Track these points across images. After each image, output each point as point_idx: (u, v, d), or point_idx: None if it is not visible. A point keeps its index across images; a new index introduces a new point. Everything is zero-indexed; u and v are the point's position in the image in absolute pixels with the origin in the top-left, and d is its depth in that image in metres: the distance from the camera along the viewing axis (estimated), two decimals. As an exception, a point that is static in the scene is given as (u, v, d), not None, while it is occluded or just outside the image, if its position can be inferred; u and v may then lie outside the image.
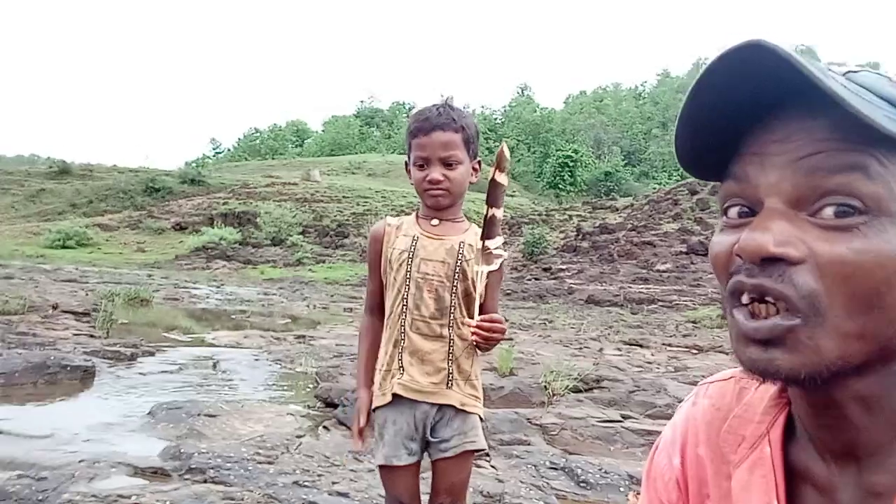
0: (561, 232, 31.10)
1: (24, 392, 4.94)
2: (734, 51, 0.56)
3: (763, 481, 0.67)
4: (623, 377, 6.07)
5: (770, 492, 0.66)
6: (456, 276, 1.93)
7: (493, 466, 3.79)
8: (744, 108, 0.61)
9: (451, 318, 1.93)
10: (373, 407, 1.98)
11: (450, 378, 1.92)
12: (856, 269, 0.53)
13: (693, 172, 0.68)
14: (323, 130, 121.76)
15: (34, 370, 5.24)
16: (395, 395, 1.92)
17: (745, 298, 0.58)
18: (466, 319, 1.84)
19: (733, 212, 0.62)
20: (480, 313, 1.88)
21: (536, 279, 23.44)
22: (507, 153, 1.74)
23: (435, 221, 1.98)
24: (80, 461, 3.36)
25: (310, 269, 27.40)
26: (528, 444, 4.15)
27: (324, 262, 29.51)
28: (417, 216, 2.03)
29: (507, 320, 1.95)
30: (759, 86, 0.58)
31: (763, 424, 0.70)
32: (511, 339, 9.74)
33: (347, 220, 38.65)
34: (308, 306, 14.60)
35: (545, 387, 5.35)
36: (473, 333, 1.78)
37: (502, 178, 1.76)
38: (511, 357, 6.44)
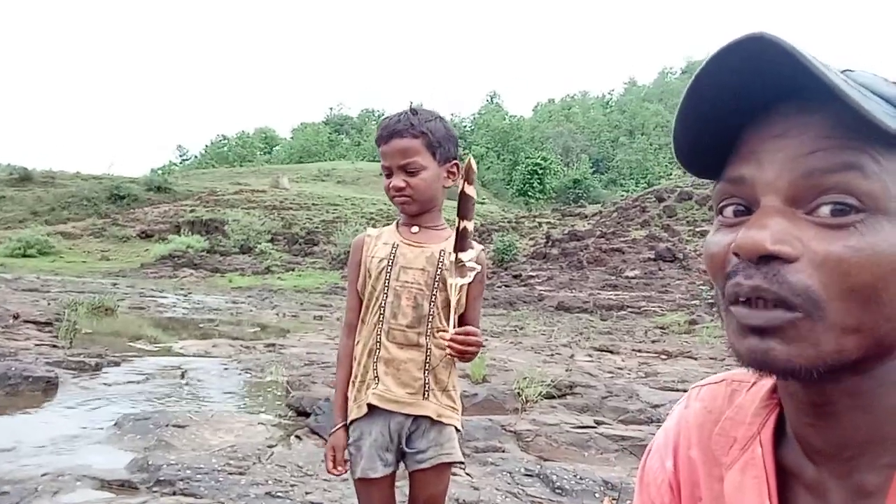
0: (531, 239, 31.22)
1: (-17, 404, 4.78)
2: (735, 44, 0.55)
3: (755, 482, 0.67)
4: (595, 383, 6.10)
5: (762, 493, 0.66)
6: (436, 285, 1.90)
7: (468, 474, 3.77)
8: (741, 104, 0.60)
9: (429, 326, 1.89)
10: (348, 420, 1.94)
11: (426, 388, 1.88)
12: (851, 267, 0.53)
13: (691, 169, 0.68)
14: (292, 137, 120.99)
15: (-6, 382, 5.09)
16: (369, 406, 1.88)
17: (742, 300, 0.58)
18: (441, 333, 1.81)
19: (729, 211, 0.62)
20: (461, 324, 1.86)
21: (507, 286, 23.49)
22: (474, 165, 1.73)
23: (415, 229, 1.95)
24: (43, 474, 3.25)
25: (279, 278, 27.12)
26: (503, 451, 4.14)
27: (293, 270, 29.23)
28: (398, 224, 2.01)
29: (483, 330, 1.93)
30: (758, 80, 0.58)
31: (754, 426, 0.71)
32: (483, 346, 9.74)
33: (317, 227, 38.36)
34: (277, 314, 14.45)
35: (518, 393, 5.35)
36: (448, 346, 1.75)
37: (471, 191, 1.74)
38: (483, 364, 6.43)
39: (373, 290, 1.93)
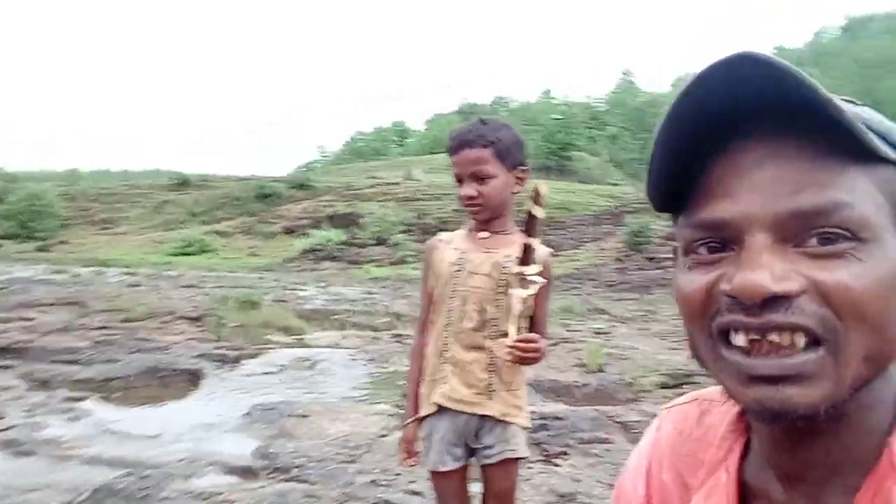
0: (666, 220, 30.11)
1: (138, 394, 5.38)
2: (722, 63, 0.53)
3: None
4: (717, 372, 5.87)
5: None
6: (500, 290, 1.97)
7: (570, 465, 3.80)
8: (718, 129, 0.57)
9: (494, 330, 1.97)
10: (420, 416, 2.07)
11: (490, 388, 1.97)
12: (857, 294, 0.52)
13: (661, 202, 0.63)
14: (426, 129, 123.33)
15: (148, 374, 5.71)
16: (438, 405, 2.00)
17: (740, 339, 0.54)
18: (502, 340, 1.88)
19: (702, 249, 0.58)
20: (529, 325, 1.96)
21: (640, 269, 22.86)
22: (542, 191, 1.81)
23: (484, 234, 2.04)
24: (180, 460, 3.65)
25: (412, 268, 27.88)
26: (609, 443, 4.12)
27: (426, 259, 29.90)
28: (468, 229, 2.10)
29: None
30: (738, 104, 0.55)
31: (722, 450, 0.69)
32: (608, 334, 9.60)
33: (449, 217, 38.92)
34: (409, 304, 14.87)
35: (631, 383, 5.27)
36: (508, 353, 1.83)
37: (538, 212, 1.82)
38: (600, 353, 6.38)
39: (442, 293, 2.04)
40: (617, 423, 4.45)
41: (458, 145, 1.97)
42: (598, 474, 3.64)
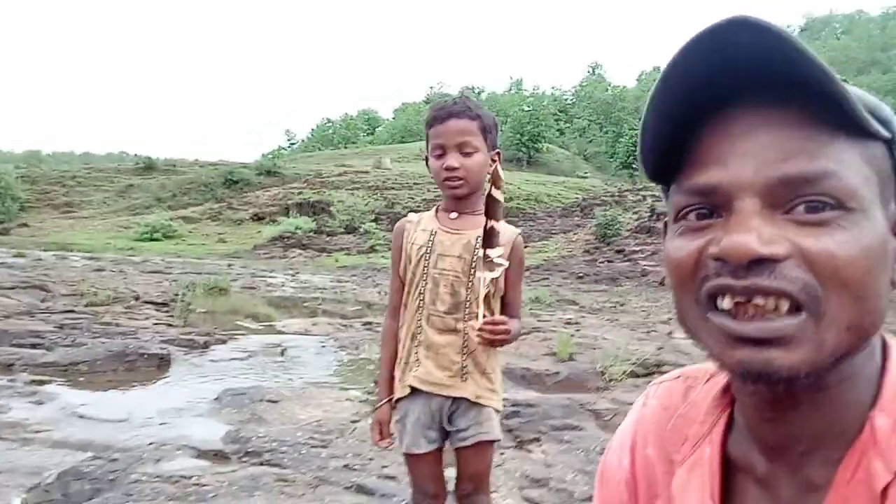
0: (634, 213, 30.46)
1: (104, 379, 5.27)
2: (715, 28, 0.53)
3: (700, 481, 0.68)
4: (686, 362, 5.96)
5: (705, 491, 0.67)
6: (472, 271, 1.96)
7: (542, 451, 3.83)
8: (709, 97, 0.57)
9: (466, 312, 1.96)
10: (394, 399, 2.06)
11: (464, 371, 1.97)
12: (842, 261, 0.53)
13: (654, 168, 0.64)
14: (394, 118, 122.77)
15: (115, 358, 5.59)
16: (412, 388, 1.99)
17: (726, 302, 0.56)
18: (470, 322, 1.88)
19: (691, 215, 0.60)
20: (502, 306, 1.97)
21: (609, 262, 23.12)
22: (500, 172, 1.81)
23: (454, 215, 2.02)
24: (149, 444, 3.58)
25: (382, 256, 27.81)
26: (580, 430, 4.15)
27: (396, 248, 29.88)
28: (437, 210, 2.07)
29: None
30: (731, 70, 0.55)
31: (706, 424, 0.71)
32: (577, 324, 9.69)
33: (419, 206, 38.90)
34: (379, 293, 14.84)
35: (602, 372, 5.33)
36: (478, 335, 1.82)
37: (498, 195, 1.81)
38: (570, 342, 6.43)
39: (413, 276, 2.02)
40: (588, 410, 4.50)
41: (445, 115, 1.93)
42: (569, 460, 3.67)
